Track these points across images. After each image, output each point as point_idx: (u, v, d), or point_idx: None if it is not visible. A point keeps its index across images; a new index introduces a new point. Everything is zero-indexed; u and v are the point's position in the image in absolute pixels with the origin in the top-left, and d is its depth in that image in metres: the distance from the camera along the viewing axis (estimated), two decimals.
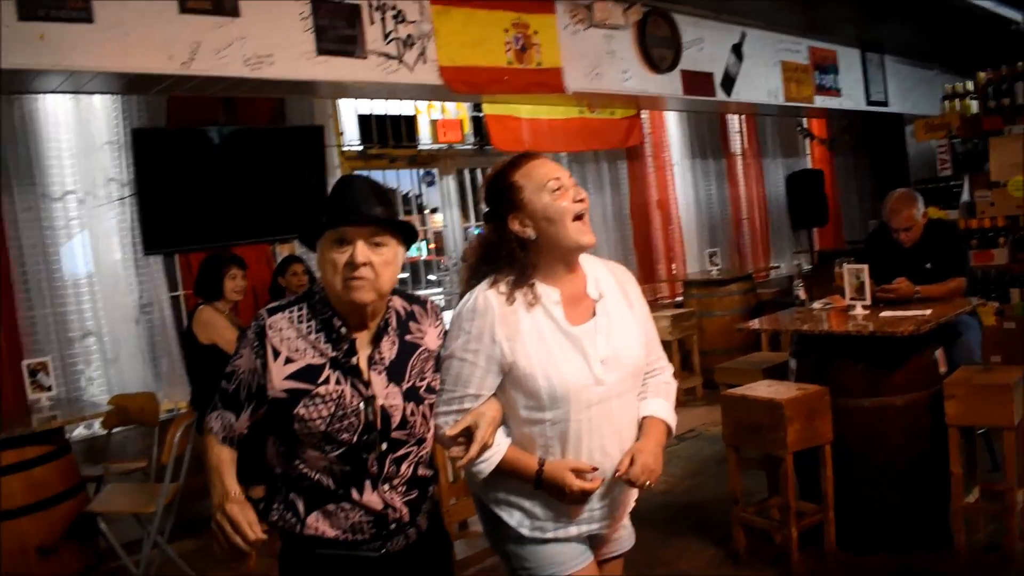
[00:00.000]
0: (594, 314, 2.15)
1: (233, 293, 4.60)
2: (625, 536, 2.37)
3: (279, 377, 1.93)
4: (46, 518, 3.73)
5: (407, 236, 2.03)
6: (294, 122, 6.11)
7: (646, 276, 8.68)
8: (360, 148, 6.68)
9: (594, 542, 2.26)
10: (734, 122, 9.96)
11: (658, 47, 6.64)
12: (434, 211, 8.31)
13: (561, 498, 2.06)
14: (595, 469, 2.07)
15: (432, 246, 8.52)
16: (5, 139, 4.98)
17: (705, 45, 7.23)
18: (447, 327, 2.15)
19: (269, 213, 5.66)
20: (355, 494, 1.95)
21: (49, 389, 4.40)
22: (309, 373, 1.93)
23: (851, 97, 9.38)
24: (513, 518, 2.16)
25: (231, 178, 5.64)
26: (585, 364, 2.08)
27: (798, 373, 4.26)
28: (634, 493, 2.27)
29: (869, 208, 11.80)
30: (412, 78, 4.94)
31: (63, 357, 5.15)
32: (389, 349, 2.01)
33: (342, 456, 1.93)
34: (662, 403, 2.27)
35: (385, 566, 2.00)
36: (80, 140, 5.31)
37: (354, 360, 1.96)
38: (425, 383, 2.05)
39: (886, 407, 3.93)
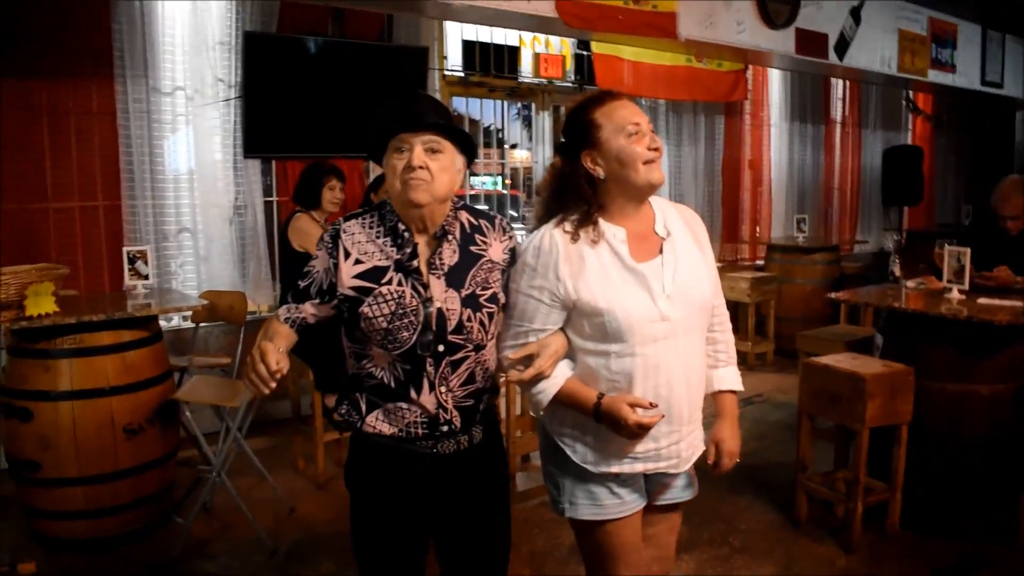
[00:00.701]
0: (661, 252, 2.17)
1: (330, 204, 4.66)
2: (684, 484, 2.37)
3: (348, 276, 2.07)
4: (135, 400, 3.87)
5: (466, 147, 2.13)
6: (400, 41, 6.12)
7: (729, 235, 8.59)
8: (462, 74, 6.67)
9: (653, 485, 2.31)
10: (838, 88, 9.69)
11: (776, 2, 6.44)
12: (513, 147, 8.28)
13: (619, 431, 2.09)
14: (654, 405, 2.09)
15: (507, 182, 8.52)
16: (123, 31, 5.09)
17: (824, 4, 6.99)
18: (512, 243, 2.23)
19: (369, 129, 5.70)
20: (413, 394, 2.07)
21: (146, 278, 4.54)
22: (375, 273, 2.07)
23: (966, 75, 9.01)
24: (577, 453, 2.21)
25: (334, 90, 5.68)
26: (650, 299, 2.11)
27: (884, 350, 4.21)
28: (701, 435, 2.32)
29: (965, 192, 11.44)
30: (528, 7, 4.87)
31: (158, 249, 5.32)
32: (450, 256, 2.10)
33: (403, 355, 2.06)
34: (733, 372, 2.37)
35: (434, 465, 2.12)
36: (193, 38, 5.40)
37: (415, 263, 2.07)
38: (488, 292, 2.13)
39: (971, 394, 3.87)
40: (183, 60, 5.39)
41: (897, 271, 4.46)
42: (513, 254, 2.21)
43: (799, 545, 3.93)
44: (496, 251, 2.18)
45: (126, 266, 4.51)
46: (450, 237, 2.12)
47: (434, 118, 2.05)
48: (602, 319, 2.09)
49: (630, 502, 2.25)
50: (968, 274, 4.20)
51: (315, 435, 4.59)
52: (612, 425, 2.09)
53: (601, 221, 2.16)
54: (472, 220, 2.19)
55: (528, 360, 2.13)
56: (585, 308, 2.11)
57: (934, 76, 8.56)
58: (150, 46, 5.22)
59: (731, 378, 2.38)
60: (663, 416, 2.11)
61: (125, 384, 3.85)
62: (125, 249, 4.57)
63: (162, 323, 4.36)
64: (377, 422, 2.11)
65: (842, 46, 7.27)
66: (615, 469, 2.20)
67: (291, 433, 5.10)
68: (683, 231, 2.24)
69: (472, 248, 2.15)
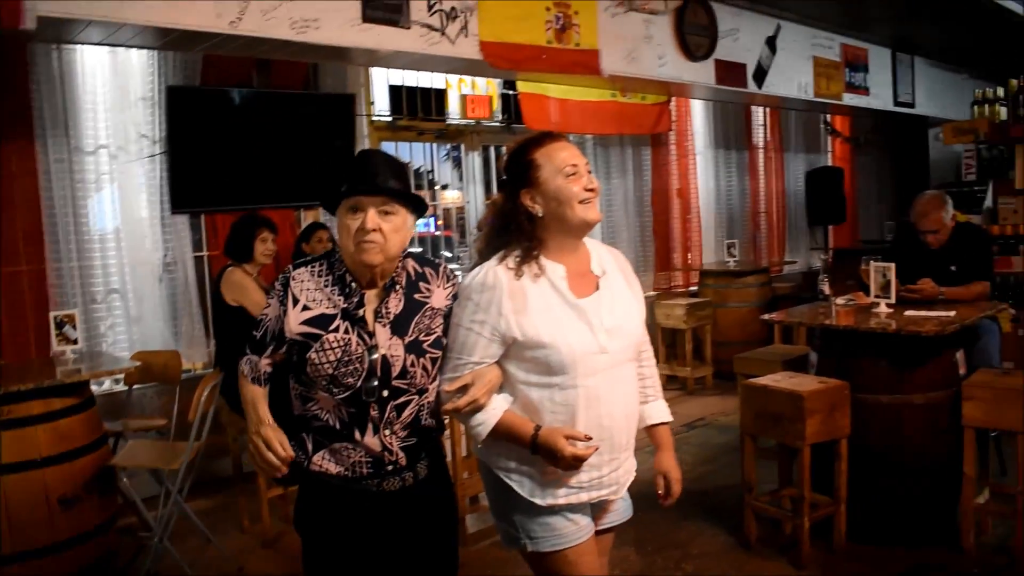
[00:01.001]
0: (597, 288, 2.27)
1: (263, 256, 4.61)
2: (623, 508, 2.45)
3: (296, 322, 2.14)
4: (70, 470, 3.75)
5: (416, 207, 2.22)
6: (327, 89, 6.13)
7: (662, 263, 8.70)
8: (390, 119, 6.69)
9: (595, 511, 2.36)
10: (758, 115, 9.94)
11: (695, 35, 6.62)
12: (444, 187, 8.33)
13: (555, 463, 2.13)
14: (589, 438, 2.14)
15: (440, 222, 8.55)
16: (41, 89, 5.00)
17: (741, 35, 7.21)
18: (456, 289, 2.30)
19: (296, 178, 5.68)
20: (357, 435, 2.13)
21: (75, 342, 4.42)
22: (322, 320, 2.14)
23: (879, 96, 9.36)
24: (524, 487, 2.24)
25: (261, 141, 5.65)
26: (591, 333, 2.19)
27: (819, 367, 4.29)
28: (634, 460, 2.39)
29: (887, 209, 11.79)
30: (453, 51, 4.93)
31: (86, 312, 5.17)
32: (396, 305, 2.18)
33: (347, 399, 2.12)
34: (662, 405, 2.51)
35: (380, 502, 2.18)
36: (115, 94, 5.31)
37: (361, 312, 2.15)
38: (432, 338, 2.20)
39: (905, 405, 3.97)
40: (105, 117, 5.29)
41: (826, 289, 4.58)
42: (455, 299, 2.27)
43: (751, 565, 3.96)
44: (439, 298, 2.25)
45: (53, 331, 4.40)
46: (397, 287, 2.20)
47: (386, 181, 2.12)
48: (545, 352, 2.15)
49: (584, 526, 2.29)
50: (894, 288, 4.33)
51: (259, 492, 4.48)
52: (548, 457, 2.14)
53: (542, 258, 2.23)
54: (417, 268, 2.27)
55: (463, 390, 2.18)
56: (528, 343, 2.16)
57: (849, 99, 8.87)
58: (71, 104, 5.11)
59: (662, 411, 2.50)
60: (597, 448, 2.15)
61: (58, 454, 3.75)
62: (52, 314, 4.47)
63: (94, 387, 4.25)
64: (324, 461, 2.17)
65: (760, 75, 7.50)
66: (562, 500, 2.23)
67: (234, 492, 4.98)
68: (615, 270, 2.36)
69: (416, 296, 2.22)
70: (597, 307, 2.23)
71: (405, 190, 2.18)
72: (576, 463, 2.12)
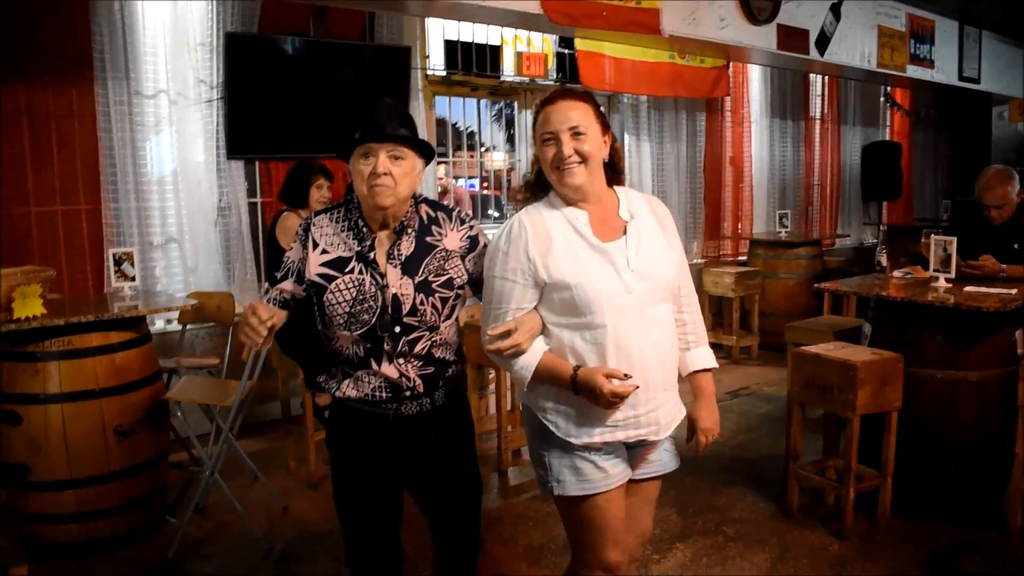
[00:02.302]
0: (624, 232, 2.32)
1: (317, 203, 4.65)
2: (666, 458, 2.47)
3: (315, 264, 2.32)
4: (125, 401, 3.83)
5: (424, 152, 2.35)
6: (382, 40, 6.11)
7: (712, 231, 8.63)
8: (444, 73, 6.67)
9: (634, 457, 2.40)
10: (817, 84, 9.76)
11: None
12: (490, 149, 8.31)
13: (596, 401, 2.19)
14: (628, 376, 2.19)
15: (485, 184, 8.54)
16: (103, 33, 5.05)
17: (804, 1, 7.05)
18: (472, 232, 2.43)
19: (350, 128, 5.67)
20: (374, 365, 2.31)
21: (133, 279, 4.50)
22: (338, 263, 2.32)
23: (943, 70, 9.13)
24: (560, 428, 2.31)
25: (316, 90, 5.68)
26: (615, 273, 2.24)
27: (872, 339, 4.24)
28: (679, 405, 2.42)
29: (943, 187, 11.56)
30: (511, 4, 4.89)
31: (143, 253, 5.27)
32: (407, 247, 2.33)
33: (364, 335, 2.30)
34: (704, 351, 2.50)
35: (397, 424, 2.35)
36: (174, 40, 5.37)
37: (373, 255, 2.31)
38: (443, 278, 2.35)
39: (959, 381, 3.90)
40: (164, 62, 5.35)
41: (884, 260, 4.50)
42: (472, 241, 2.42)
43: (792, 533, 3.95)
44: (452, 240, 2.39)
45: (112, 268, 4.48)
46: (409, 230, 2.35)
47: (396, 129, 2.26)
48: (571, 293, 2.23)
49: (615, 475, 2.34)
50: (955, 263, 4.25)
51: (306, 435, 4.57)
52: (589, 395, 2.20)
53: (564, 206, 2.32)
54: (431, 212, 2.42)
55: (506, 335, 2.26)
56: (555, 284, 2.24)
57: (913, 72, 8.66)
58: (131, 48, 5.19)
59: (703, 357, 2.50)
60: (638, 387, 2.21)
61: (115, 386, 3.82)
62: (111, 251, 4.55)
63: (148, 326, 4.32)
64: (347, 388, 2.36)
65: (823, 42, 7.34)
66: (597, 439, 2.30)
67: (282, 434, 5.08)
68: (647, 216, 2.39)
69: (427, 238, 2.37)
70: (622, 249, 2.28)
71: (413, 136, 2.30)
72: (616, 400, 2.18)
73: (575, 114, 2.27)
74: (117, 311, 3.91)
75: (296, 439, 4.81)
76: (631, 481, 2.41)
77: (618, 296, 2.23)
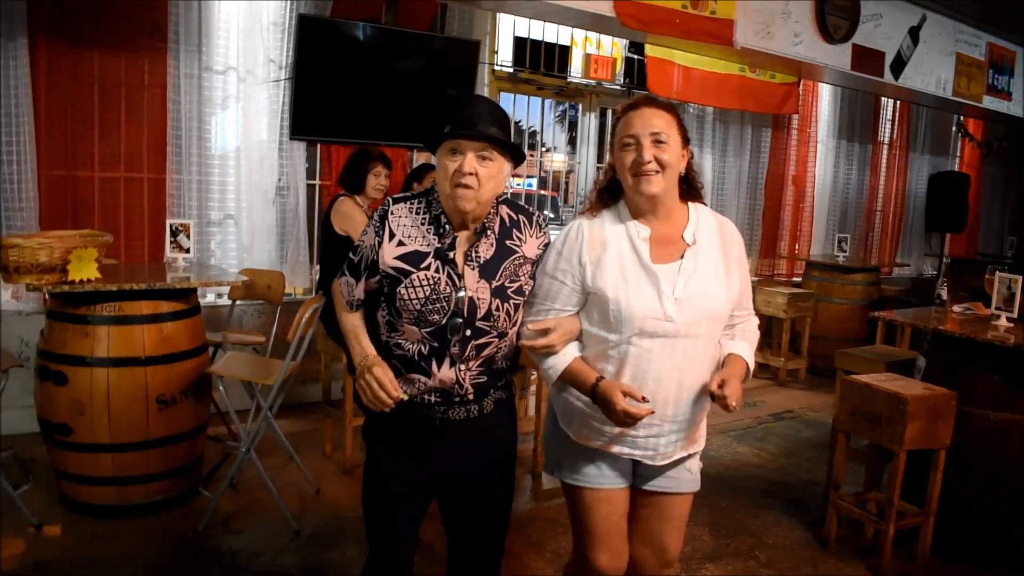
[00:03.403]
0: (682, 257, 2.27)
1: (374, 190, 4.65)
2: (685, 478, 2.44)
3: (390, 256, 2.23)
4: (170, 371, 3.88)
5: (515, 156, 2.27)
6: (452, 33, 6.12)
7: (768, 250, 8.52)
8: (511, 70, 6.66)
9: (642, 469, 2.40)
10: (887, 109, 9.57)
11: (835, 15, 6.36)
12: (551, 150, 8.27)
13: (609, 415, 2.20)
14: (646, 400, 2.19)
15: (542, 185, 8.50)
16: (179, 6, 5.12)
17: (883, 22, 6.90)
18: (548, 240, 2.38)
19: (413, 118, 5.70)
20: (435, 367, 2.23)
21: (187, 251, 4.55)
22: (415, 257, 2.23)
23: (1020, 103, 8.86)
24: (563, 417, 2.41)
25: (383, 77, 5.69)
26: (657, 298, 2.22)
27: (925, 373, 4.13)
28: (691, 441, 2.39)
29: (1010, 223, 11.27)
30: (585, 5, 4.84)
31: (200, 226, 5.34)
32: (487, 249, 2.26)
33: (432, 334, 2.21)
34: (745, 346, 2.39)
35: (443, 428, 2.29)
36: (248, 18, 5.42)
37: (452, 254, 2.22)
38: (516, 285, 2.28)
39: (1013, 424, 3.79)
40: (236, 39, 5.40)
41: (944, 294, 4.38)
42: (546, 248, 2.36)
43: (826, 564, 3.86)
44: (531, 247, 2.33)
45: (168, 238, 4.53)
46: (489, 232, 2.27)
47: (488, 127, 2.17)
48: (608, 307, 2.23)
49: (610, 477, 2.38)
50: (1018, 302, 4.12)
51: (344, 420, 4.58)
52: (604, 407, 2.20)
53: (629, 219, 2.30)
54: (512, 215, 2.34)
55: (544, 332, 2.27)
56: (597, 293, 2.25)
57: (989, 102, 8.43)
58: (205, 23, 5.25)
59: (740, 347, 2.38)
60: (652, 411, 2.20)
61: (161, 355, 3.87)
62: (169, 222, 4.59)
63: (199, 298, 4.36)
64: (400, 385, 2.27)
65: (898, 65, 7.18)
66: (593, 444, 2.36)
67: (320, 417, 5.10)
68: (713, 242, 2.33)
69: (508, 242, 2.30)
70: (673, 274, 2.24)
71: (506, 138, 2.22)
72: (628, 420, 2.16)
73: (659, 121, 2.23)
74: (169, 281, 3.95)
75: (334, 423, 4.83)
76: (644, 492, 2.43)
77: (654, 321, 2.21)
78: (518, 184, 8.16)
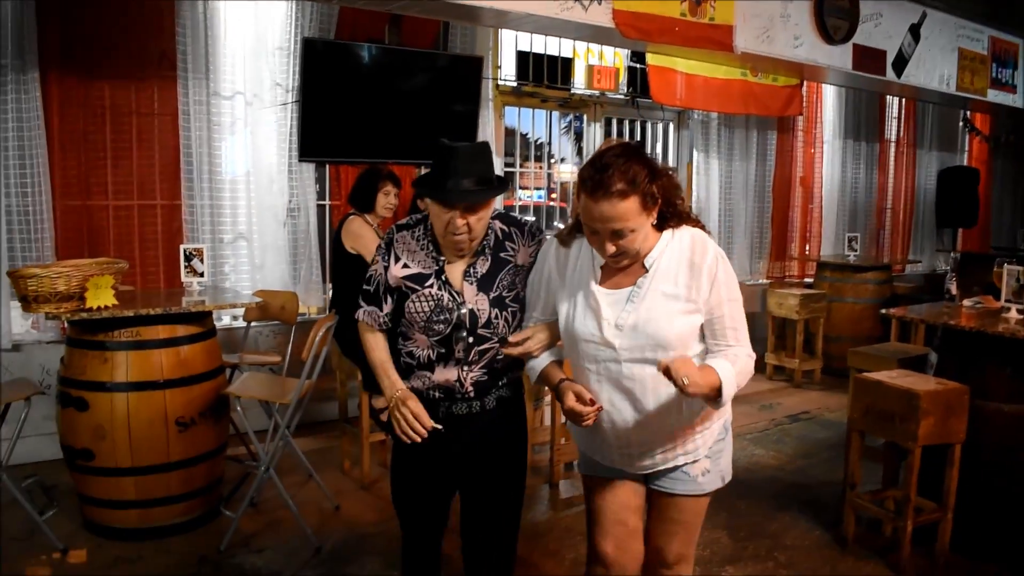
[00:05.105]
0: (635, 284, 2.27)
1: (384, 208, 4.70)
2: (682, 480, 2.43)
3: (396, 276, 2.46)
4: (188, 393, 3.93)
5: (501, 188, 2.42)
6: (456, 50, 6.18)
7: (778, 252, 8.52)
8: (515, 84, 6.72)
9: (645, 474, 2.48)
10: (893, 107, 9.57)
11: (834, 17, 6.38)
12: (560, 161, 8.31)
13: (564, 413, 2.31)
14: (593, 402, 2.26)
15: (553, 196, 8.52)
16: (187, 34, 5.20)
17: (883, 21, 6.91)
18: (540, 247, 2.51)
19: (420, 135, 5.76)
20: (439, 368, 2.45)
21: (201, 275, 4.61)
22: (419, 278, 2.45)
23: None
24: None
25: (389, 96, 5.77)
26: (596, 324, 2.27)
27: (938, 368, 4.13)
28: (673, 457, 2.39)
29: (1021, 216, 11.22)
30: (585, 17, 4.88)
31: (214, 250, 5.40)
32: (483, 265, 2.45)
33: (439, 341, 2.42)
34: (724, 364, 2.22)
35: (447, 421, 2.47)
36: (254, 43, 5.50)
37: (445, 276, 2.43)
38: (513, 293, 2.47)
39: None
40: (243, 64, 5.48)
41: (953, 289, 4.39)
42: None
43: (845, 564, 3.87)
44: (523, 256, 2.50)
45: (183, 263, 4.59)
46: (486, 250, 2.46)
47: (469, 186, 2.29)
48: (561, 323, 2.37)
49: (611, 469, 2.46)
50: None
51: (361, 436, 4.62)
52: (560, 404, 2.32)
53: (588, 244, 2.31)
54: (504, 228, 2.51)
55: (524, 341, 2.41)
56: (555, 308, 2.40)
57: (993, 96, 8.41)
58: (212, 49, 5.33)
59: (717, 363, 2.22)
60: (597, 413, 2.27)
61: (179, 378, 3.92)
62: (182, 247, 4.65)
63: (214, 321, 4.42)
64: (410, 383, 2.49)
65: (900, 63, 7.18)
66: (582, 448, 2.53)
67: (337, 434, 5.14)
68: (675, 269, 2.25)
69: (502, 254, 2.48)
70: (620, 301, 2.26)
71: (485, 189, 2.33)
72: (575, 418, 2.26)
73: (615, 213, 2.12)
74: (184, 305, 4.01)
75: (351, 440, 4.87)
76: (651, 491, 2.50)
77: (595, 347, 2.28)
78: (528, 196, 8.19)
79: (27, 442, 4.44)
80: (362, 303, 2.54)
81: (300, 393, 3.91)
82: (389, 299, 2.49)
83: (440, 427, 2.40)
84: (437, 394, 2.48)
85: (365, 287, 2.54)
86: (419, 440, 2.37)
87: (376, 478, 4.68)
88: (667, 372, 2.06)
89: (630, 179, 2.12)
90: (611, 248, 2.18)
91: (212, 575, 3.63)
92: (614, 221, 2.13)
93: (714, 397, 2.18)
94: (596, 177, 2.13)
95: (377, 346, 2.54)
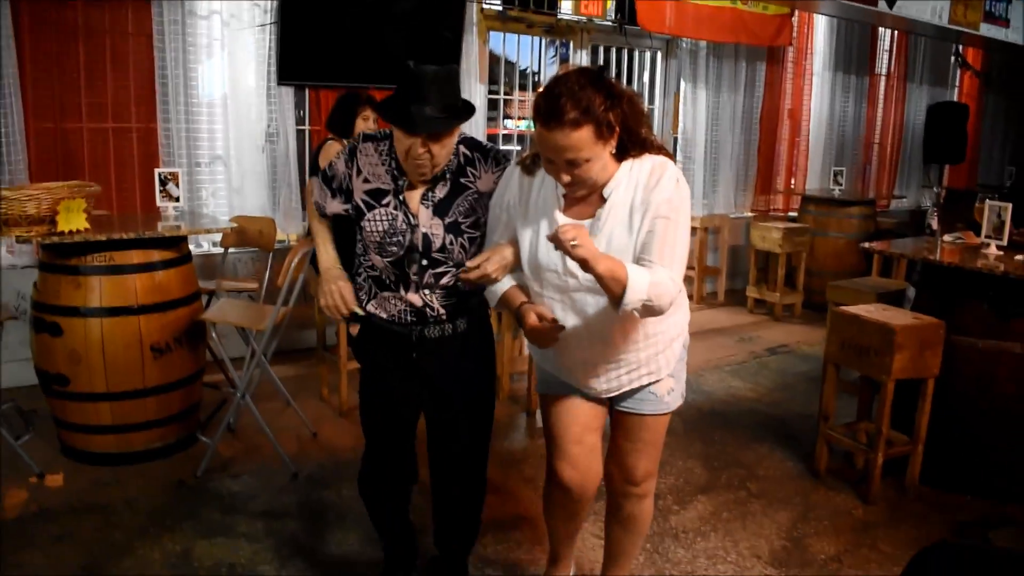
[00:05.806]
0: (594, 215, 2.24)
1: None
2: (649, 400, 2.47)
3: (358, 191, 2.45)
4: (163, 319, 3.90)
5: (467, 114, 2.34)
6: None
7: (764, 185, 8.48)
8: (500, 8, 6.56)
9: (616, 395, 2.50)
10: (884, 39, 9.44)
11: None
12: None
13: (526, 335, 2.28)
14: (555, 321, 2.23)
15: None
16: None
17: None
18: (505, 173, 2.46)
19: (402, 60, 5.63)
20: (401, 291, 2.46)
21: (177, 200, 4.54)
22: (377, 194, 2.44)
23: (1020, 30, 8.73)
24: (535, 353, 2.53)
25: (371, 20, 5.63)
26: (559, 254, 2.15)
27: (915, 303, 4.15)
28: (637, 376, 2.42)
29: (1010, 153, 11.19)
30: None
31: (190, 174, 5.32)
32: (441, 190, 2.41)
33: (393, 263, 2.42)
34: (640, 269, 2.12)
35: (420, 345, 2.50)
36: None
37: (403, 196, 2.41)
38: (471, 219, 2.43)
39: (1002, 351, 3.80)
40: None
41: (934, 224, 4.38)
42: None
43: (817, 494, 3.92)
44: (486, 182, 2.45)
45: (157, 188, 4.51)
46: (446, 175, 2.41)
47: (434, 112, 2.22)
48: (522, 250, 2.33)
49: (568, 387, 2.48)
50: (1008, 230, 4.12)
51: (340, 364, 4.62)
52: (522, 327, 2.29)
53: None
54: (467, 153, 2.46)
55: (481, 265, 2.35)
56: (517, 238, 2.35)
57: (986, 30, 8.30)
58: None
59: (634, 267, 2.11)
60: (563, 327, 2.24)
61: (154, 303, 3.88)
62: (157, 171, 4.57)
63: (191, 248, 4.37)
64: (375, 308, 2.51)
65: None
66: (546, 367, 2.52)
67: (316, 362, 5.14)
68: (634, 196, 2.20)
69: (462, 180, 2.44)
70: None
71: (449, 117, 2.25)
72: (535, 337, 2.25)
73: (568, 143, 2.07)
74: (160, 230, 3.96)
75: (330, 367, 4.87)
76: (615, 412, 2.53)
77: (557, 276, 2.26)
78: (514, 125, 8.07)
79: (4, 368, 4.42)
80: (319, 176, 2.56)
81: (276, 320, 3.88)
82: (340, 196, 2.48)
83: (362, 312, 2.49)
84: (408, 317, 2.47)
85: (325, 171, 2.53)
86: (339, 317, 2.47)
87: (354, 405, 4.62)
88: (553, 238, 2.01)
89: (583, 108, 2.04)
90: (566, 178, 2.14)
91: (189, 499, 3.65)
92: (567, 151, 2.08)
93: (617, 295, 2.07)
94: (549, 106, 2.06)
95: (322, 228, 2.60)
